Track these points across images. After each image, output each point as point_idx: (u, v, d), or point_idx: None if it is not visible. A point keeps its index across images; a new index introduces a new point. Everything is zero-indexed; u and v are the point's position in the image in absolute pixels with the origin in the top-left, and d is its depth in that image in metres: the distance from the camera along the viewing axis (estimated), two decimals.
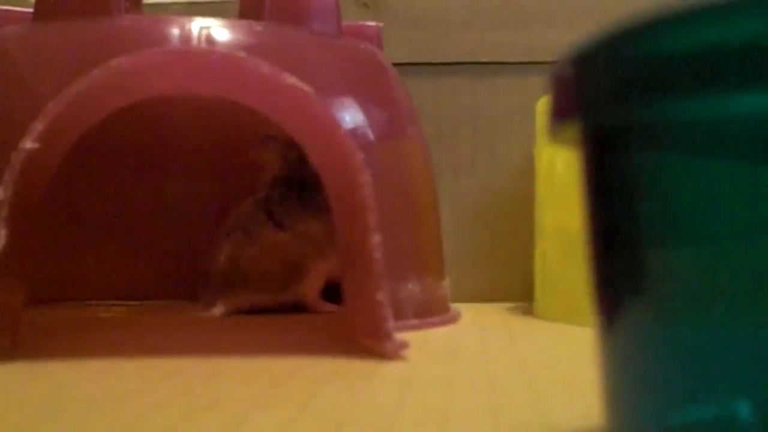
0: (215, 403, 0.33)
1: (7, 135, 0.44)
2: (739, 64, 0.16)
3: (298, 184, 0.65)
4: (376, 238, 0.44)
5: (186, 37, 0.54)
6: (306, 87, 0.44)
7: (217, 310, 0.66)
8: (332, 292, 0.66)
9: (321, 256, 0.65)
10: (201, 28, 0.55)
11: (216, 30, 0.55)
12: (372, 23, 0.69)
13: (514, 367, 0.42)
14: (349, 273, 0.48)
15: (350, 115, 0.58)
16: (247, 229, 0.67)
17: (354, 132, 0.57)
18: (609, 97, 0.19)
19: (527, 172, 0.76)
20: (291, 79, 0.44)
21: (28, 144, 0.41)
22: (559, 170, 0.64)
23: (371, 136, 0.59)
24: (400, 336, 0.45)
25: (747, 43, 0.16)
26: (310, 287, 0.67)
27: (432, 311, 0.61)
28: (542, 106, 0.69)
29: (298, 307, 0.67)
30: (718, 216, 0.19)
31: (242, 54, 0.46)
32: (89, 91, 0.43)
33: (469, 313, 0.68)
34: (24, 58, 0.56)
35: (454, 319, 0.63)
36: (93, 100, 0.44)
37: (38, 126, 0.42)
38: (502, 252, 0.79)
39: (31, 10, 0.58)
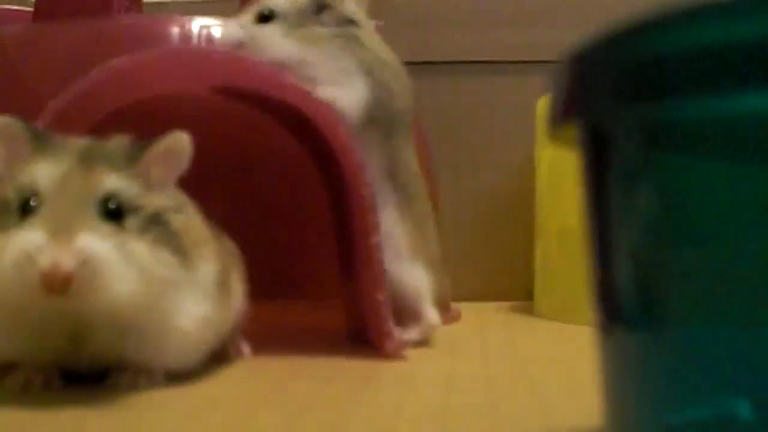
0: (216, 403, 0.33)
1: None
2: (740, 64, 0.16)
3: None
4: (376, 238, 0.44)
5: (186, 37, 0.54)
6: (306, 86, 0.44)
7: None
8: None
9: None
10: (201, 28, 0.55)
11: (216, 29, 0.55)
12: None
13: (514, 366, 0.42)
14: (349, 273, 0.48)
15: None
16: None
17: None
18: (609, 97, 0.19)
19: (527, 172, 0.76)
20: (291, 79, 0.44)
21: None
22: (559, 170, 0.64)
23: None
24: (400, 335, 0.45)
25: (748, 42, 0.16)
26: None
27: None
28: (542, 106, 0.69)
29: None
30: (718, 216, 0.19)
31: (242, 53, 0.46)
32: (89, 91, 0.43)
33: (468, 312, 0.68)
34: (24, 58, 0.56)
35: (454, 318, 0.63)
36: (93, 100, 0.44)
37: (38, 126, 0.42)
38: (502, 252, 0.79)
39: (31, 10, 0.58)
